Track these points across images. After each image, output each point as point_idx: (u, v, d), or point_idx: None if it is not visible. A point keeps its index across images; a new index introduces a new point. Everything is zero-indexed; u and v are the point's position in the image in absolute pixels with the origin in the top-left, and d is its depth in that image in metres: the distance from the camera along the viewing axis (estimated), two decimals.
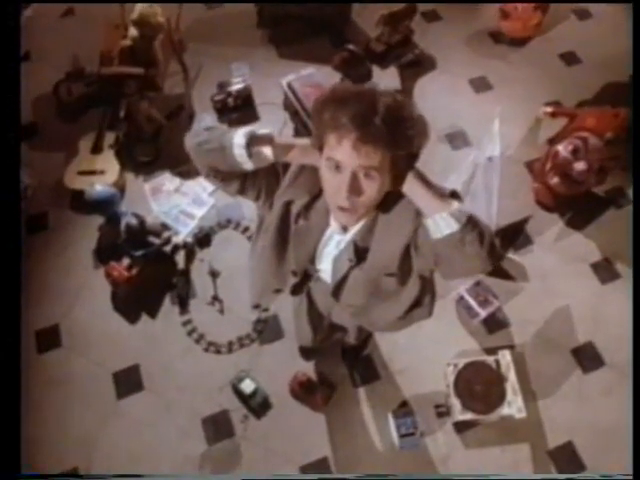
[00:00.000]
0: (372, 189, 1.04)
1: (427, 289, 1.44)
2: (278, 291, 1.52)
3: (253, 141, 1.09)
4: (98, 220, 2.84)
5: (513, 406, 2.12)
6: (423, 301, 1.47)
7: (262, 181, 1.21)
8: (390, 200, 1.14)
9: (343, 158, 1.00)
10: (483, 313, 2.47)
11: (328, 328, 1.80)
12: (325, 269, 1.36)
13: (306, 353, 2.44)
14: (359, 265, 1.26)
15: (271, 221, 1.29)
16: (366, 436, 2.30)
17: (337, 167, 1.02)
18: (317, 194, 1.20)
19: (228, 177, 1.18)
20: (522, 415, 2.10)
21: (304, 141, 1.11)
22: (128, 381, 2.47)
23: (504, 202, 2.71)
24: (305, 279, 1.46)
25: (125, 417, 2.40)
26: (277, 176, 1.21)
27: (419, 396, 2.37)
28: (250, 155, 1.09)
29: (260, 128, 1.14)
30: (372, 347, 2.48)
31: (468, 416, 2.19)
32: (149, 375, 2.48)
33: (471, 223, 1.02)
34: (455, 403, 2.20)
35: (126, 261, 2.67)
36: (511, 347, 2.44)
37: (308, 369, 2.43)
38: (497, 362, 2.26)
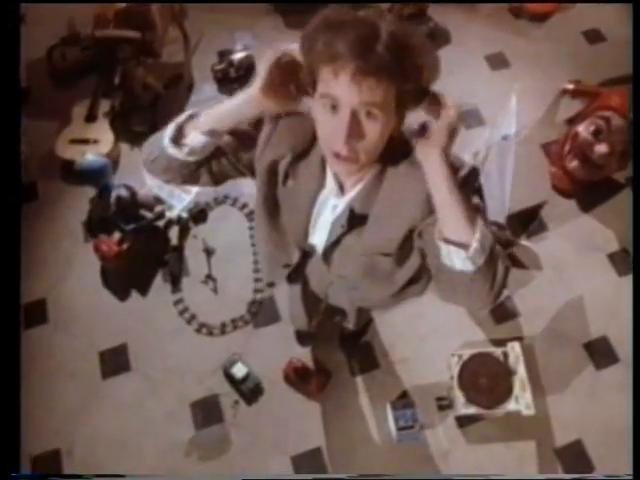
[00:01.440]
0: (375, 131, 0.89)
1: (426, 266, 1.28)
2: (288, 266, 1.36)
3: (179, 133, 1.01)
4: (90, 192, 2.69)
5: (521, 402, 1.99)
6: (420, 279, 1.32)
7: (231, 157, 1.09)
8: (397, 153, 0.99)
9: (340, 94, 0.85)
10: None
11: (324, 311, 1.66)
12: (320, 243, 1.21)
13: (302, 338, 2.31)
14: (351, 233, 1.11)
15: (258, 189, 1.15)
16: (362, 427, 2.18)
17: (333, 106, 0.87)
18: (304, 149, 1.06)
19: (189, 177, 1.09)
20: (530, 412, 1.97)
21: (241, 96, 0.96)
22: (115, 361, 2.36)
23: (518, 185, 2.55)
24: (303, 260, 1.31)
25: (110, 398, 2.29)
26: (249, 141, 1.08)
27: (420, 387, 2.24)
28: (180, 148, 1.01)
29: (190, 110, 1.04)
30: (372, 334, 2.35)
31: (472, 410, 2.06)
32: (137, 355, 2.37)
33: (487, 264, 0.90)
34: (458, 396, 2.07)
35: (117, 235, 2.54)
36: (520, 339, 2.29)
37: (304, 355, 2.30)
38: (505, 354, 2.12)
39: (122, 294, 2.50)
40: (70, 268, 2.58)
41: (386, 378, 2.28)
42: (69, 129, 2.79)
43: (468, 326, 2.37)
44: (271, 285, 1.47)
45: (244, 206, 2.66)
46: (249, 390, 2.22)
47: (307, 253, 1.27)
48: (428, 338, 2.33)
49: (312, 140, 1.06)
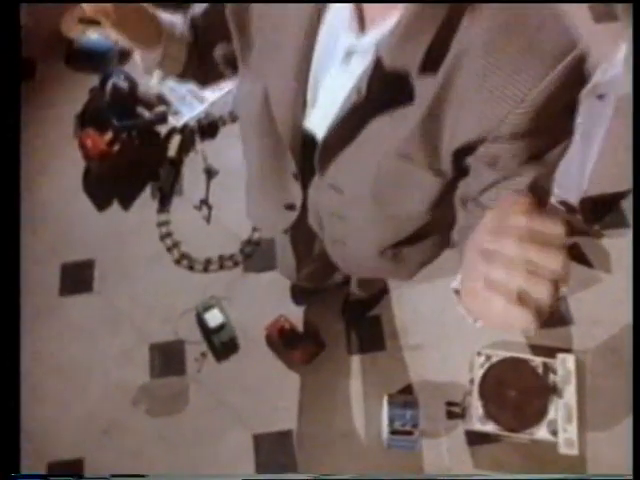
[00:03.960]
0: None
1: (445, 223, 0.80)
2: (291, 207, 0.92)
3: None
4: (93, 81, 2.31)
5: (560, 435, 1.51)
6: (426, 238, 0.90)
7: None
8: None
9: None
10: None
11: (318, 259, 1.20)
12: (320, 115, 0.70)
13: (299, 295, 1.89)
14: (377, 116, 0.63)
15: (239, 52, 0.76)
16: (347, 419, 1.75)
17: None
18: None
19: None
20: (572, 452, 1.49)
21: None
22: (77, 277, 2.02)
23: (602, 164, 2.02)
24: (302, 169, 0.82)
25: (63, 319, 1.96)
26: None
27: (430, 384, 1.79)
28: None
29: None
30: (384, 307, 1.90)
31: (488, 427, 1.61)
32: (103, 276, 2.01)
33: None
34: (476, 406, 1.62)
35: (109, 135, 2.14)
36: (567, 351, 1.81)
37: (296, 315, 1.89)
38: (546, 366, 1.65)
39: (102, 203, 2.15)
40: (52, 162, 2.25)
41: (390, 364, 1.85)
42: (80, 6, 2.39)
43: None
44: (286, 232, 1.04)
45: None
46: (221, 344, 1.82)
47: (306, 152, 0.77)
48: (453, 326, 1.86)
49: None
